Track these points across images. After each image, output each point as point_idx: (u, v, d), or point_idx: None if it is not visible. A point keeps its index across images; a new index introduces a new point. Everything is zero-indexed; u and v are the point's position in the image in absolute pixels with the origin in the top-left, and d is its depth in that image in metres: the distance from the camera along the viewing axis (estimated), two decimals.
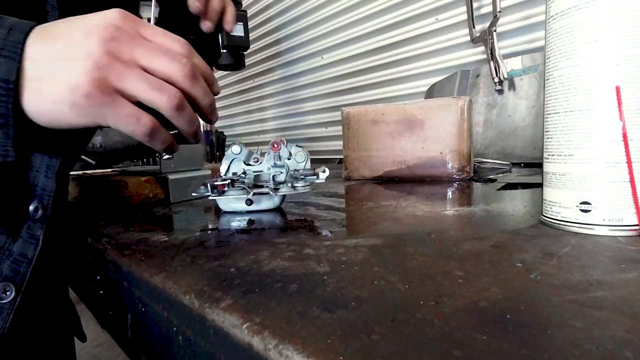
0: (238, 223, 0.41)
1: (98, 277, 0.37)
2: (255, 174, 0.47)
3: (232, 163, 0.46)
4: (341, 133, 0.78)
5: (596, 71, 0.28)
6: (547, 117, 0.33)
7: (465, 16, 1.12)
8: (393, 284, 0.22)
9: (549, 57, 0.32)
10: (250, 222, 0.41)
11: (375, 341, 0.16)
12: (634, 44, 0.27)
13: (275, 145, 0.45)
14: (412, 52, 1.31)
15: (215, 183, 0.43)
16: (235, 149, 0.46)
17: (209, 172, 0.65)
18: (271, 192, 0.44)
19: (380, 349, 0.15)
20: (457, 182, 0.66)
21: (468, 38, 1.12)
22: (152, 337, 0.27)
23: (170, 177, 0.57)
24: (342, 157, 0.80)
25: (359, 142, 0.76)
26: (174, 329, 0.24)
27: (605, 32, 0.28)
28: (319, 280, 0.23)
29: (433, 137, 0.69)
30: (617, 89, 0.28)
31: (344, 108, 0.78)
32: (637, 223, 0.28)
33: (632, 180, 0.28)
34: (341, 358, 0.15)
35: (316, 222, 0.40)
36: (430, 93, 1.15)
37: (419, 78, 1.30)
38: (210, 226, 0.40)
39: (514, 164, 0.88)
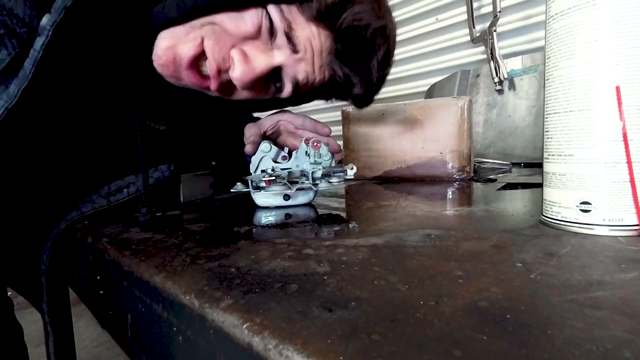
0: (239, 223, 0.41)
1: (98, 277, 0.37)
2: (286, 171, 0.48)
3: (261, 161, 0.48)
4: (341, 133, 0.78)
5: (596, 71, 0.28)
6: (547, 117, 0.33)
7: (465, 16, 1.12)
8: (393, 284, 0.22)
9: (549, 57, 0.32)
10: (287, 216, 0.43)
11: (375, 341, 0.16)
12: (634, 44, 0.27)
13: (316, 144, 0.47)
14: (412, 52, 1.31)
15: (262, 178, 0.46)
16: (265, 147, 0.48)
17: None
18: (312, 187, 0.47)
19: (380, 349, 0.15)
20: (457, 182, 0.66)
21: (468, 38, 1.12)
22: (152, 337, 0.27)
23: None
24: (341, 157, 0.80)
25: (359, 142, 0.76)
26: (174, 329, 0.24)
27: (605, 32, 0.28)
28: (319, 280, 0.23)
29: (433, 137, 0.69)
30: (617, 89, 0.28)
31: (344, 108, 0.78)
32: (637, 223, 0.28)
33: (632, 180, 0.28)
34: (341, 358, 0.15)
35: (316, 221, 0.40)
36: (430, 93, 1.15)
37: (419, 78, 1.30)
38: (211, 226, 0.40)
39: (514, 164, 0.88)
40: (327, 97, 0.56)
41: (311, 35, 0.43)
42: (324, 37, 0.44)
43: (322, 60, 0.45)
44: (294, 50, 0.44)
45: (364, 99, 0.53)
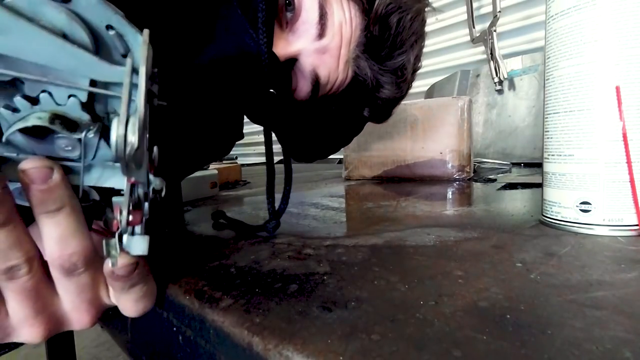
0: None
1: None
2: None
3: None
4: None
5: (596, 71, 0.28)
6: (547, 117, 0.33)
7: (465, 16, 1.13)
8: (393, 284, 0.22)
9: (549, 57, 0.32)
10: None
11: (375, 341, 0.16)
12: (634, 44, 0.27)
13: None
14: None
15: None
16: None
17: (216, 171, 0.65)
18: None
19: (380, 349, 0.15)
20: (457, 182, 0.66)
21: (468, 38, 1.12)
22: (152, 337, 0.27)
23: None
24: (342, 157, 0.80)
25: (359, 142, 0.76)
26: (174, 329, 0.24)
27: (605, 32, 0.28)
28: (319, 280, 0.23)
29: (433, 137, 0.69)
30: (617, 89, 0.28)
31: None
32: (637, 223, 0.28)
33: (632, 180, 0.28)
34: (341, 358, 0.15)
35: (316, 222, 0.40)
36: (430, 93, 1.15)
37: (419, 78, 1.30)
38: (211, 226, 0.40)
39: (514, 164, 0.88)
40: (343, 106, 0.43)
41: (343, 20, 0.35)
42: (356, 23, 0.36)
43: (349, 54, 0.37)
44: (320, 34, 0.34)
45: (387, 107, 0.44)
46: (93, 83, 0.17)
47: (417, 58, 0.41)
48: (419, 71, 0.46)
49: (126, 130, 0.16)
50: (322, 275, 0.24)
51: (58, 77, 0.17)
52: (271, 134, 0.36)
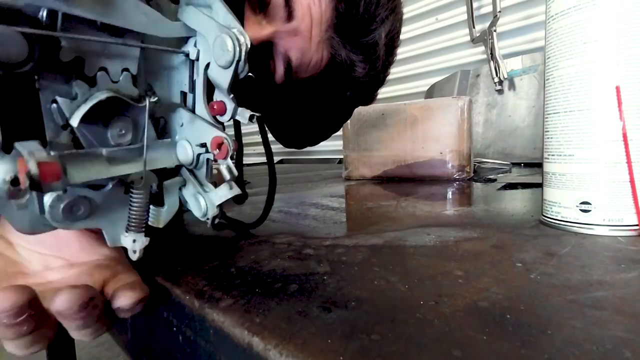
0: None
1: None
2: None
3: None
4: (341, 133, 0.78)
5: (596, 71, 0.28)
6: (547, 117, 0.33)
7: (465, 16, 1.13)
8: (393, 284, 0.22)
9: (549, 57, 0.32)
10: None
11: (375, 341, 0.16)
12: (634, 44, 0.27)
13: None
14: (412, 52, 1.31)
15: None
16: None
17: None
18: None
19: (380, 349, 0.15)
20: (457, 182, 0.66)
21: (468, 38, 1.13)
22: (152, 337, 0.27)
23: None
24: (342, 157, 0.80)
25: (359, 142, 0.76)
26: (174, 329, 0.24)
27: (605, 32, 0.28)
28: (319, 280, 0.23)
29: (433, 137, 0.69)
30: (617, 89, 0.28)
31: None
32: (637, 223, 0.28)
33: (632, 180, 0.28)
34: (341, 358, 0.15)
35: (316, 222, 0.40)
36: (430, 93, 1.15)
37: (419, 78, 1.31)
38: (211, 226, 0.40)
39: (514, 164, 0.88)
40: (324, 89, 0.43)
41: (312, 1, 0.36)
42: (325, 3, 0.36)
43: (321, 34, 0.37)
44: (289, 16, 0.36)
45: (369, 88, 0.44)
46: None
47: (390, 33, 0.41)
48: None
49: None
50: (322, 275, 0.24)
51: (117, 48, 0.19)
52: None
